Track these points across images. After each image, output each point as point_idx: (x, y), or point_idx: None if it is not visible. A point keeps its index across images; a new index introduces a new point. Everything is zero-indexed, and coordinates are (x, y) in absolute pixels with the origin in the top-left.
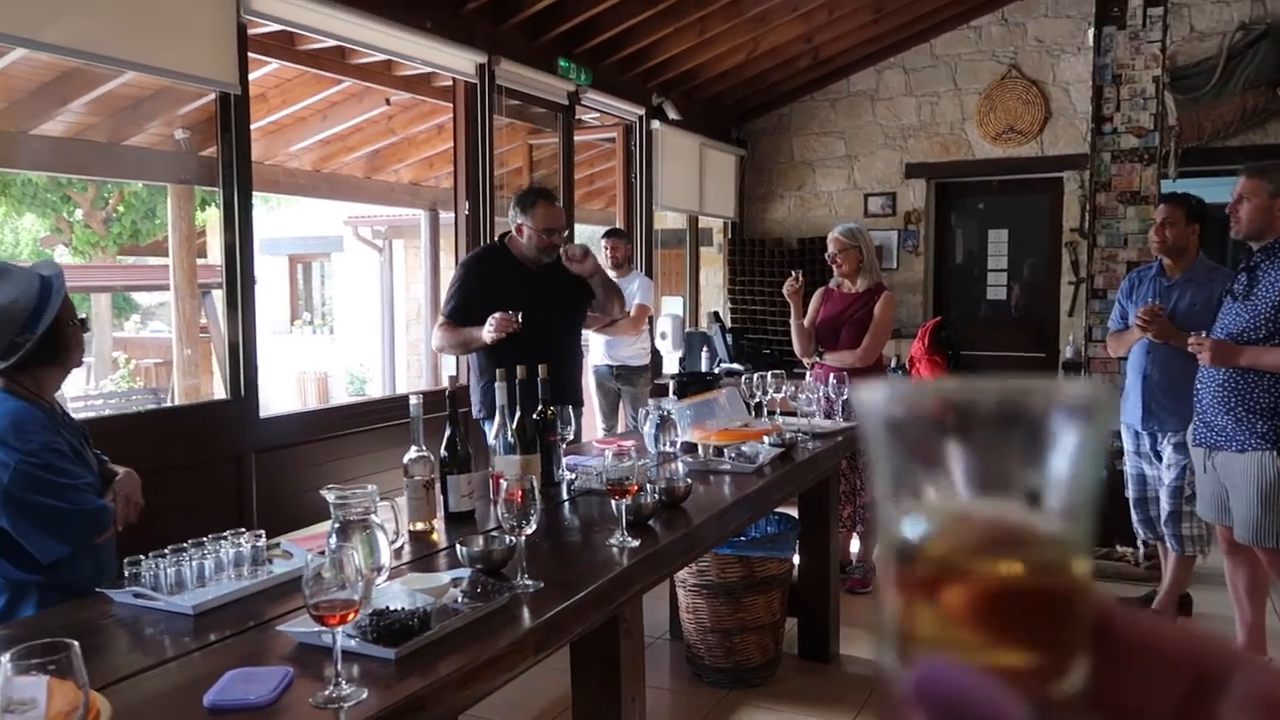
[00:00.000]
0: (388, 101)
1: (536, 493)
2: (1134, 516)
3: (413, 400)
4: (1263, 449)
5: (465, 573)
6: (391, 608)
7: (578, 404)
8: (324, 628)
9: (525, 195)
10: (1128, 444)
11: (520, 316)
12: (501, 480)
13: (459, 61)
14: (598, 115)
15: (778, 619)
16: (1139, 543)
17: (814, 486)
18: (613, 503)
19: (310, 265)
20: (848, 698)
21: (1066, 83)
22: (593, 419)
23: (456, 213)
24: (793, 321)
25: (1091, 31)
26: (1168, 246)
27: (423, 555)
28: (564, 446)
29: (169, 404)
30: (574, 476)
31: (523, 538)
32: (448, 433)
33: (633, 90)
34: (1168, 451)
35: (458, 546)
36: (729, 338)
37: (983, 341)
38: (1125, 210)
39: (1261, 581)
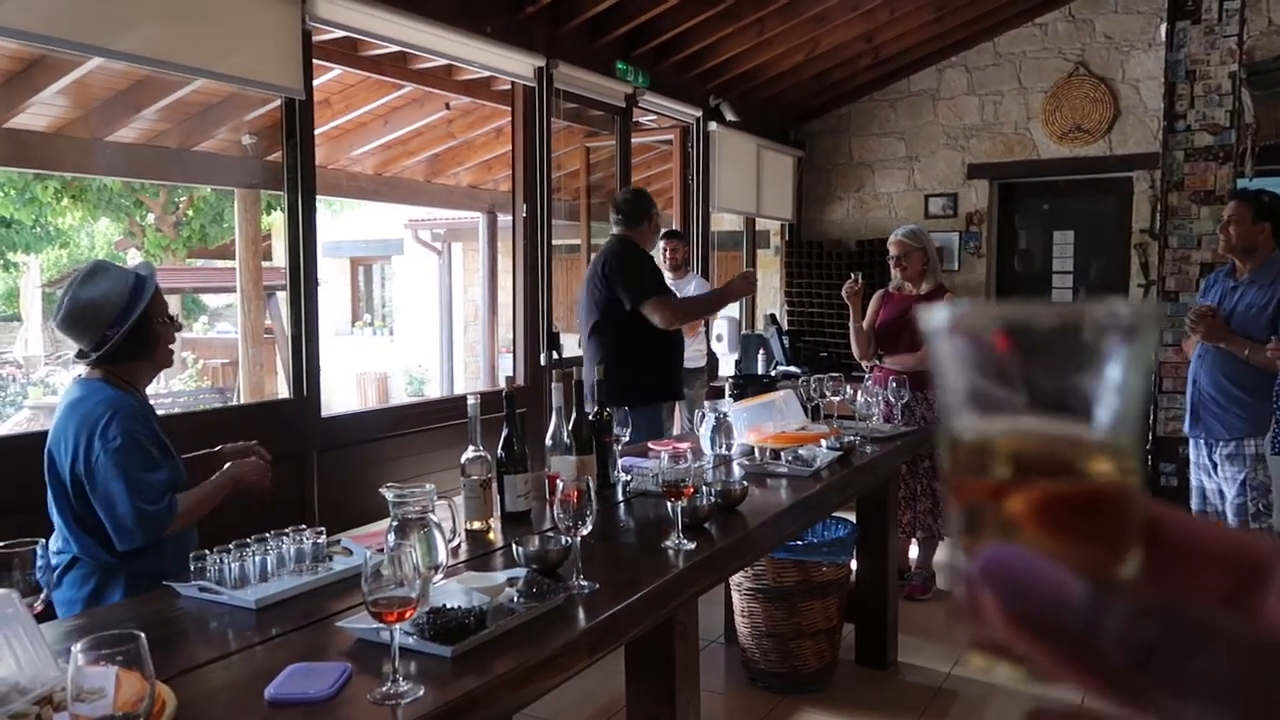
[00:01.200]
0: (447, 106)
1: (592, 493)
2: None
3: (470, 400)
4: None
5: (521, 572)
6: (448, 606)
7: (680, 397)
8: (382, 625)
9: (641, 200)
10: (1191, 454)
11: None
12: (558, 481)
13: (517, 65)
14: (655, 118)
15: (834, 624)
16: None
17: (873, 491)
18: (668, 505)
19: (371, 267)
20: (906, 705)
21: (1136, 80)
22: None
23: (514, 215)
24: (852, 324)
25: (1164, 27)
26: (1233, 245)
27: (479, 554)
28: (619, 448)
29: (235, 403)
30: (630, 478)
31: (578, 538)
32: (505, 432)
33: (690, 92)
34: (1223, 465)
35: (514, 546)
36: (785, 340)
37: None
38: (1198, 210)
39: None
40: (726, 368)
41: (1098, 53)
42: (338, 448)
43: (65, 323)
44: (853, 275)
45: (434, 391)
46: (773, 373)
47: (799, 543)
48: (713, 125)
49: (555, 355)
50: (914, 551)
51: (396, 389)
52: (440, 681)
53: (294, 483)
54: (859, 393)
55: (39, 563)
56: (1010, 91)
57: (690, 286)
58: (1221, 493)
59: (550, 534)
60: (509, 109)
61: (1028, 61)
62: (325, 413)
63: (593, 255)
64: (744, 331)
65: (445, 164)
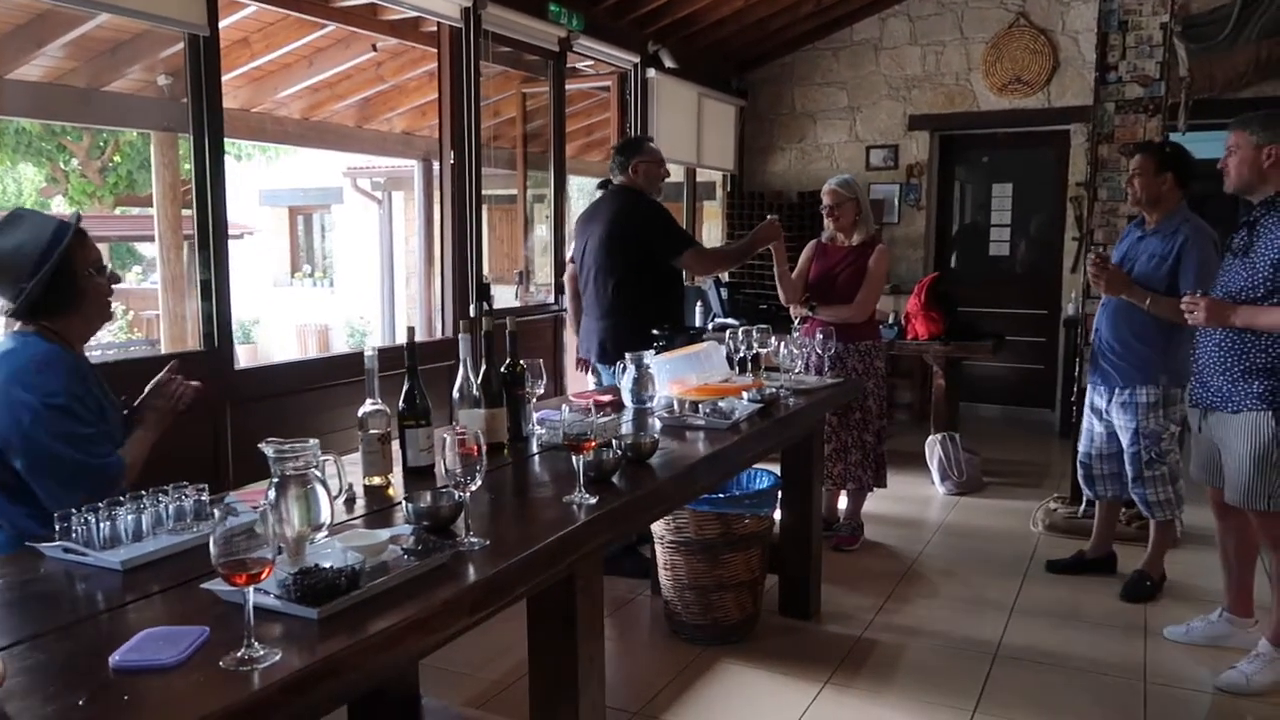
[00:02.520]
0: (374, 48)
1: (483, 447)
2: (1080, 473)
3: (367, 352)
4: (1257, 409)
5: (407, 529)
6: (320, 566)
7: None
8: (232, 587)
9: (636, 141)
10: (1088, 397)
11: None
12: (440, 434)
13: (442, 5)
14: (592, 63)
15: (757, 576)
16: (1084, 500)
17: (797, 444)
18: (572, 458)
19: (311, 217)
20: (826, 655)
21: (1076, 31)
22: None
23: (441, 162)
24: (776, 269)
25: None
26: (1139, 198)
27: (377, 510)
28: (534, 401)
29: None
30: (544, 431)
31: (468, 494)
32: (406, 385)
33: (628, 37)
34: (1115, 412)
35: (403, 503)
36: (724, 292)
37: (985, 298)
38: (1128, 163)
39: (1250, 544)
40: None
41: (1038, 4)
42: (253, 400)
43: None
44: (769, 216)
45: (377, 343)
46: (710, 325)
47: (720, 495)
48: (651, 72)
49: (486, 306)
50: (843, 503)
51: (338, 341)
52: (305, 645)
53: (208, 438)
54: (782, 344)
55: None
56: (952, 42)
57: None
58: (1108, 436)
59: (444, 490)
60: (435, 49)
61: (970, 11)
62: (245, 365)
63: (530, 204)
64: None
65: (376, 109)
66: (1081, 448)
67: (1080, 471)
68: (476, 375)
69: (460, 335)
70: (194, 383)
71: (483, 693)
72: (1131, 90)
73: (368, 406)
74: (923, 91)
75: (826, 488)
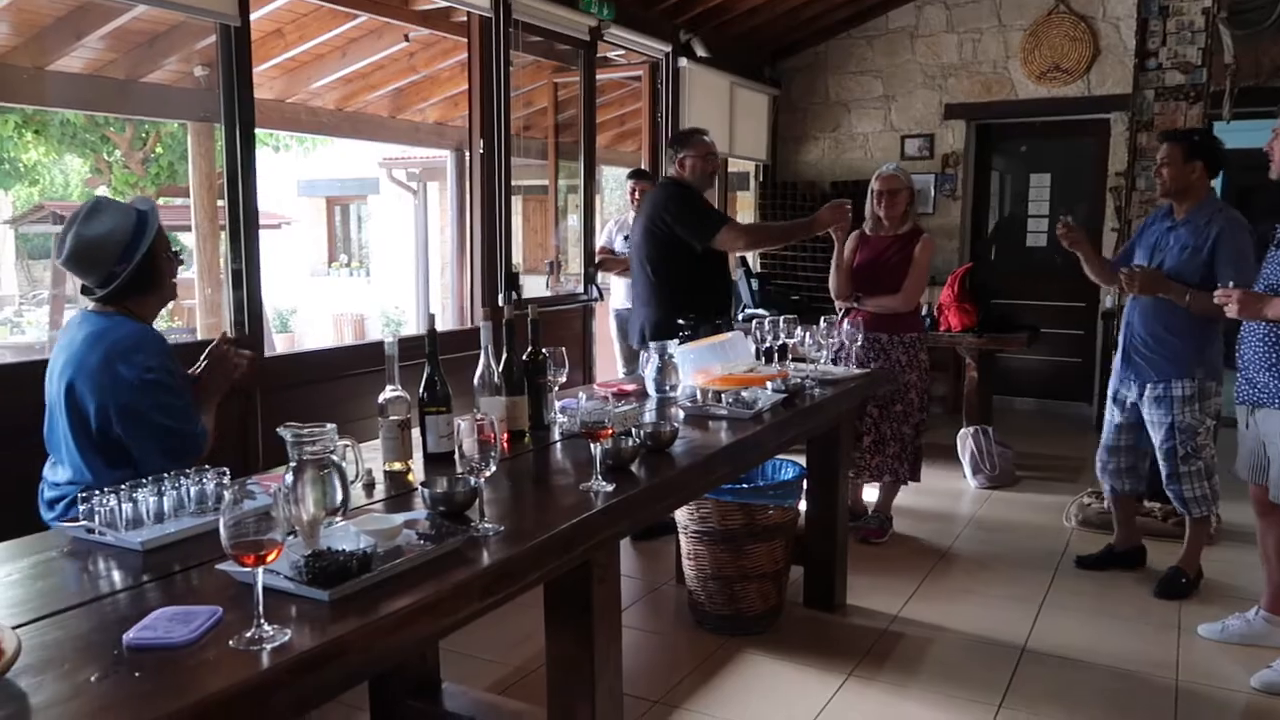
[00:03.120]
0: (406, 38)
1: (498, 434)
2: (1098, 462)
3: (387, 340)
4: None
5: (422, 514)
6: (333, 549)
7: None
8: (242, 568)
9: (686, 133)
10: (1111, 389)
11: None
12: (458, 421)
13: None
14: (623, 53)
15: (781, 567)
16: (1104, 493)
17: (823, 434)
18: (590, 446)
19: (348, 207)
20: (850, 647)
21: (1117, 18)
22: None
23: (471, 152)
24: (835, 259)
25: None
26: (1167, 187)
27: (395, 495)
28: (556, 390)
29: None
30: (565, 419)
31: (483, 479)
32: (426, 372)
33: (659, 26)
34: (1148, 407)
35: (419, 488)
36: (754, 283)
37: (1021, 290)
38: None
39: None
40: None
41: None
42: (283, 388)
43: (71, 260)
44: (839, 200)
45: (412, 332)
46: (740, 316)
47: (745, 485)
48: (683, 61)
49: (515, 296)
50: (872, 495)
51: (374, 330)
52: (315, 626)
53: (237, 424)
54: (806, 334)
55: None
56: (989, 29)
57: None
58: (1131, 430)
59: (460, 476)
60: (465, 39)
61: None
62: (277, 351)
63: (560, 195)
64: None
65: (410, 99)
66: (1102, 441)
67: (1099, 464)
68: (498, 363)
69: (481, 323)
70: (246, 352)
71: (503, 679)
72: (1172, 77)
73: (388, 393)
74: (959, 80)
75: (863, 480)
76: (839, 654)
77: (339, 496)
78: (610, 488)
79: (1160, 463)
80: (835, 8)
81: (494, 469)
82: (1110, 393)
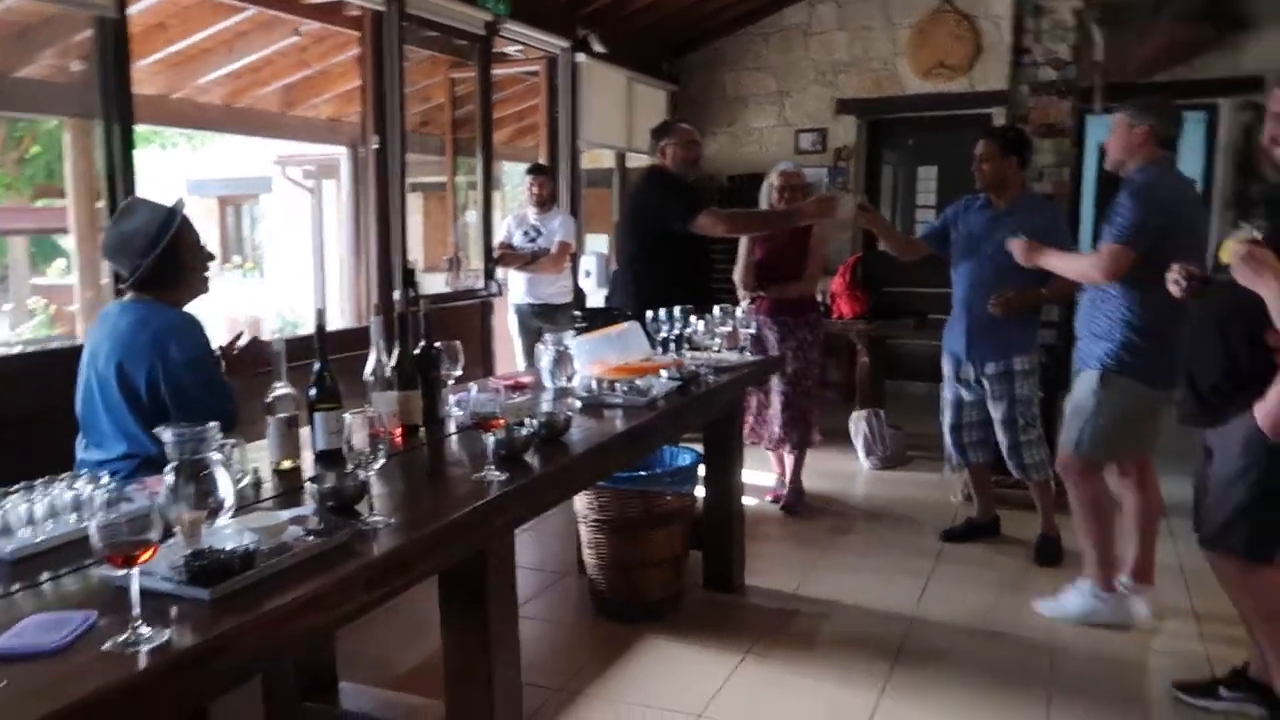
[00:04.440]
0: (297, 32)
1: (386, 429)
2: (949, 442)
3: (275, 338)
4: (1092, 368)
5: (308, 510)
6: (213, 548)
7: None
8: (116, 570)
9: (666, 123)
10: (947, 370)
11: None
12: (348, 417)
13: None
14: (521, 48)
15: (679, 553)
16: (949, 467)
17: (718, 420)
18: (483, 437)
19: (240, 207)
20: (748, 627)
21: (998, 16)
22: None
23: (366, 148)
24: (742, 254)
25: None
26: (987, 180)
27: (284, 493)
28: (451, 384)
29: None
30: (460, 412)
31: (372, 473)
32: (316, 368)
33: (557, 22)
34: (990, 383)
35: (307, 484)
36: None
37: (911, 278)
38: (1041, 144)
39: (1146, 512)
40: (595, 303)
41: None
42: None
43: (107, 252)
44: (840, 192)
45: (309, 332)
46: None
47: (643, 473)
48: (581, 57)
49: (412, 293)
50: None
51: (269, 331)
52: (197, 625)
53: None
54: (700, 323)
55: None
56: (879, 27)
57: (555, 223)
58: (977, 405)
59: (348, 470)
60: (359, 34)
61: None
62: None
63: (459, 192)
64: (614, 267)
65: (302, 95)
66: (949, 420)
67: (950, 440)
68: (390, 358)
69: (371, 318)
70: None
71: (405, 674)
72: (1045, 73)
73: (276, 390)
74: (850, 76)
75: (765, 448)
76: (737, 633)
77: (222, 496)
78: (503, 477)
79: (1001, 435)
80: (731, 4)
81: (383, 462)
82: (949, 373)
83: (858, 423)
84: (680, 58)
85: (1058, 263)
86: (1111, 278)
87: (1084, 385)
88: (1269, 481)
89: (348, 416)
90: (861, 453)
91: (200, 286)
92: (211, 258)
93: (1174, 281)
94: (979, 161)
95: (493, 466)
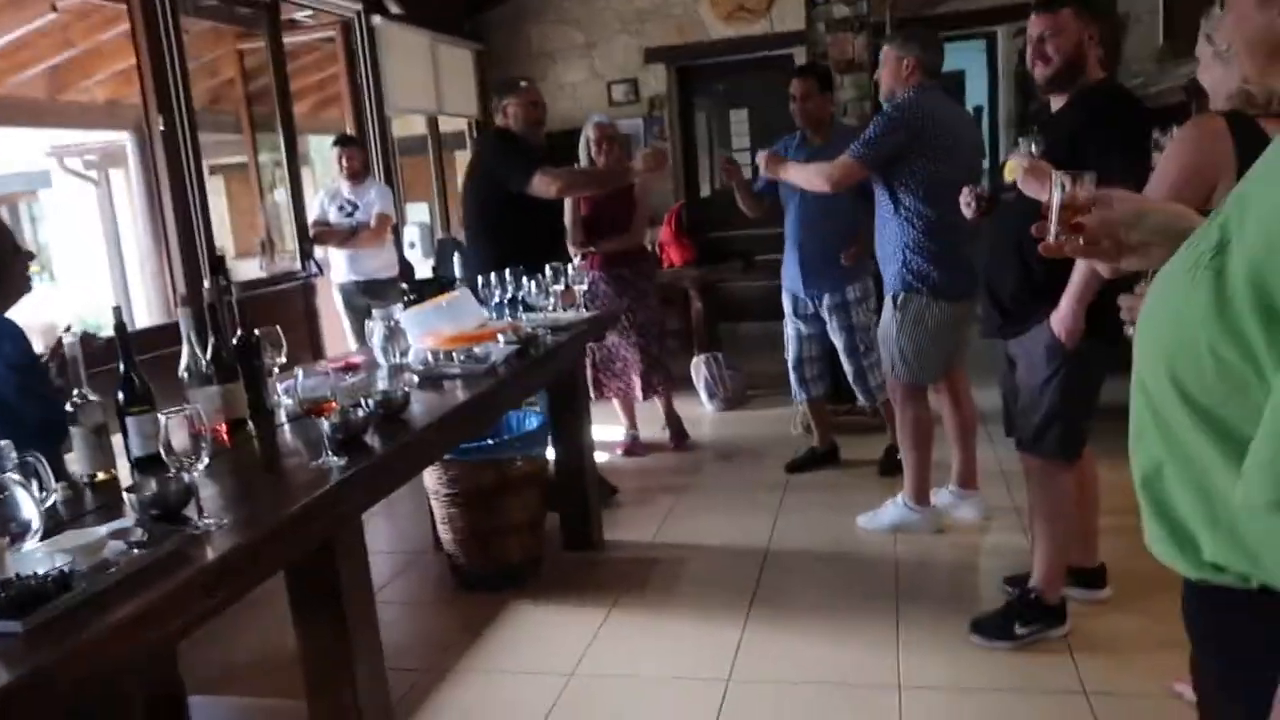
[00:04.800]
0: (54, 8)
1: (206, 427)
2: (792, 378)
3: (67, 340)
4: (889, 293)
5: (128, 522)
6: (22, 575)
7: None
8: None
9: (507, 81)
10: (787, 307)
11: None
12: (159, 418)
13: None
14: (311, 13)
15: (536, 517)
16: (798, 403)
17: (560, 380)
18: (318, 422)
19: (16, 206)
20: (611, 581)
21: None
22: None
23: (149, 130)
24: (570, 213)
25: None
26: (809, 118)
27: (101, 506)
28: (276, 372)
29: None
30: (289, 401)
31: (196, 473)
32: (121, 370)
33: None
34: (829, 315)
35: (125, 495)
36: None
37: (734, 221)
38: (842, 80)
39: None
40: (424, 275)
41: None
42: None
43: None
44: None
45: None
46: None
47: (491, 441)
48: (376, 19)
49: (223, 281)
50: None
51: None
52: (10, 660)
53: None
54: (532, 284)
55: None
56: None
57: (371, 195)
58: (816, 338)
59: (169, 474)
60: (123, 4)
61: None
62: None
63: (264, 171)
64: (439, 236)
65: (70, 77)
66: (791, 355)
67: (793, 376)
68: (205, 350)
69: (179, 310)
70: None
71: (258, 678)
72: (839, 10)
73: (75, 399)
74: (655, 25)
75: (613, 398)
76: (602, 590)
77: (26, 518)
78: (343, 462)
79: (845, 363)
80: None
81: (207, 461)
82: (789, 310)
83: (698, 367)
84: (481, 14)
85: (795, 174)
86: (835, 187)
87: (886, 311)
88: (1073, 385)
89: (162, 417)
90: (704, 396)
91: (23, 286)
92: (32, 256)
93: (965, 204)
94: (800, 100)
95: (330, 453)
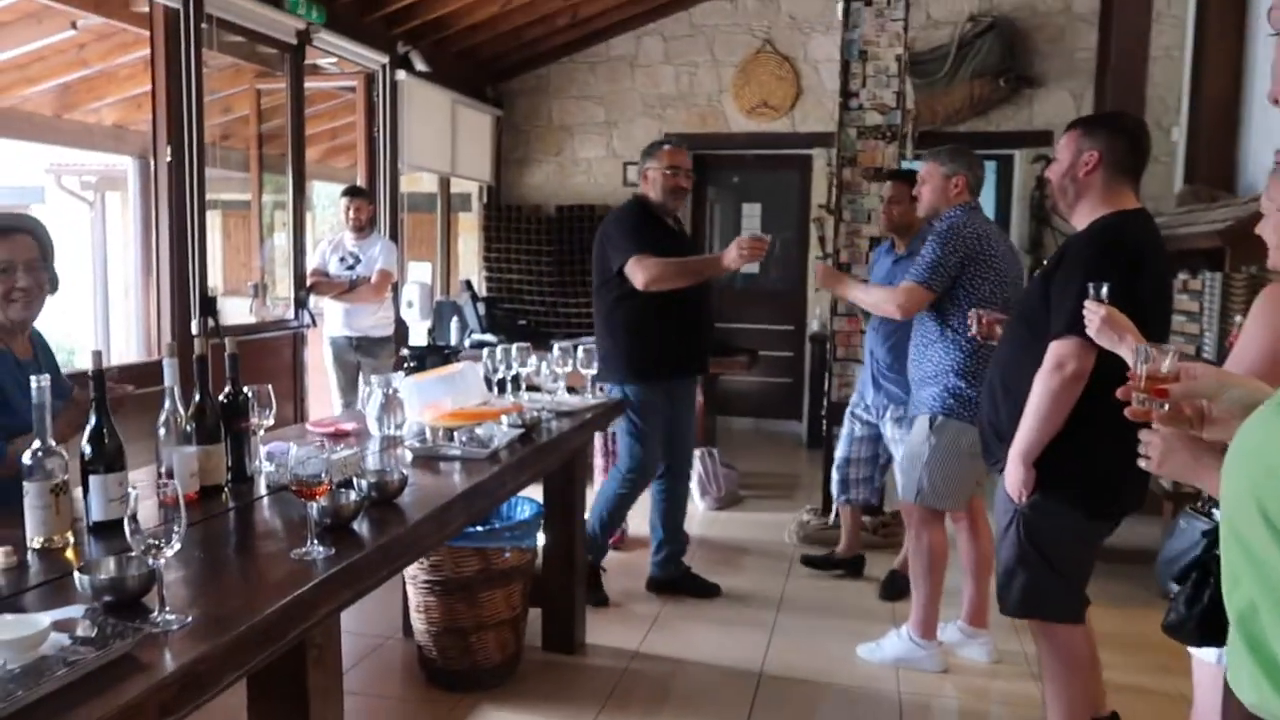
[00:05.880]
0: (74, 25)
1: (181, 500)
2: (835, 474)
3: (34, 384)
4: (923, 414)
5: (77, 611)
6: None
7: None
8: None
9: (652, 144)
10: (852, 404)
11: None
12: (134, 480)
13: None
14: (336, 61)
15: (519, 613)
16: (834, 506)
17: (559, 468)
18: (305, 505)
19: None
20: (593, 690)
21: (817, 61)
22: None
23: (156, 160)
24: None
25: (840, 6)
26: (896, 223)
27: (47, 581)
28: (260, 434)
29: None
30: (273, 468)
31: (163, 559)
32: (92, 422)
33: (375, 35)
34: (889, 427)
35: (76, 575)
36: (480, 307)
37: (736, 314)
38: (868, 186)
39: (980, 556)
40: (419, 337)
41: (783, 31)
42: None
43: None
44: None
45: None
46: (467, 342)
47: (479, 528)
48: (401, 74)
49: (212, 323)
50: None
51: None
52: None
53: None
54: (541, 363)
55: None
56: (704, 63)
57: (375, 249)
58: (869, 441)
59: (131, 555)
60: (148, 32)
61: (720, 34)
62: None
63: (266, 212)
64: (438, 298)
65: (80, 97)
66: (840, 453)
67: (836, 475)
68: (188, 406)
69: (165, 358)
70: (128, 386)
71: None
72: (871, 117)
73: (36, 449)
74: (677, 110)
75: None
76: (581, 699)
77: None
78: (329, 553)
79: (898, 475)
80: (556, 31)
81: (178, 545)
82: (851, 409)
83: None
84: (504, 82)
85: (858, 294)
86: (906, 314)
87: (917, 432)
88: (1028, 544)
89: (133, 490)
90: (697, 493)
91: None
92: (3, 271)
93: (972, 321)
94: (888, 204)
95: (316, 541)
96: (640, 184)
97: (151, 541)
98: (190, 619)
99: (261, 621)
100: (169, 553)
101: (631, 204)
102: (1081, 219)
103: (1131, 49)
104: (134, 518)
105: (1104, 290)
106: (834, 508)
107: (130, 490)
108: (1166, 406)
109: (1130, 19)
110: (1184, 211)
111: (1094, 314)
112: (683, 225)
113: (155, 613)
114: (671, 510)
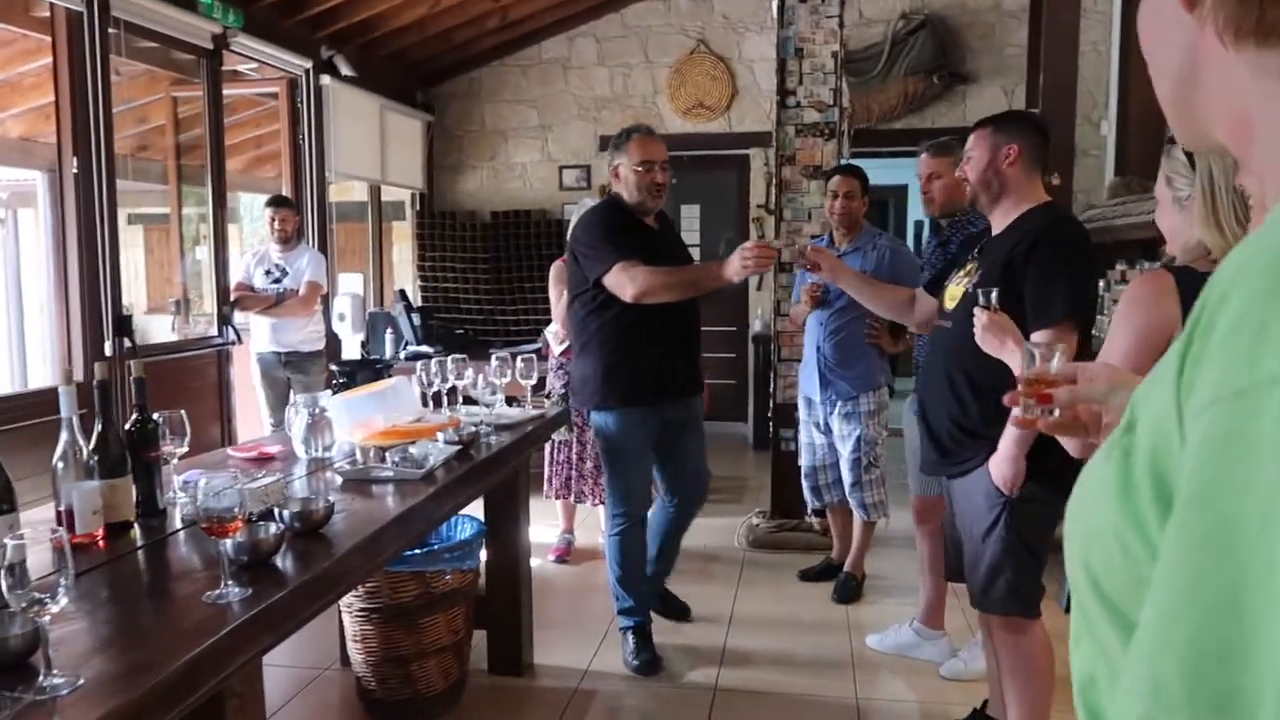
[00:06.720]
0: None
1: (68, 549)
2: (805, 485)
3: None
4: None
5: None
6: None
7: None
8: None
9: (618, 135)
10: (802, 413)
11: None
12: (23, 524)
13: None
14: (257, 66)
15: (461, 636)
16: (809, 511)
17: (501, 485)
18: (219, 542)
19: None
20: (542, 714)
21: (751, 61)
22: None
23: (63, 172)
24: (557, 300)
25: (775, 3)
26: (847, 219)
27: None
28: (174, 463)
29: None
30: (187, 499)
31: (48, 616)
32: None
33: (298, 39)
34: (837, 423)
35: None
36: (415, 318)
37: (703, 316)
38: (808, 184)
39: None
40: (351, 350)
41: (716, 32)
42: None
43: None
44: (771, 241)
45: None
46: (402, 354)
47: (418, 551)
48: (326, 79)
49: (127, 343)
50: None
51: None
52: None
53: None
54: (478, 375)
55: None
56: (638, 65)
57: (303, 261)
58: (829, 447)
59: (12, 613)
60: (48, 38)
61: (654, 35)
62: None
63: (187, 224)
64: (371, 310)
65: None
66: (805, 462)
67: (806, 484)
68: (88, 437)
69: (60, 386)
70: None
71: None
72: (809, 115)
73: None
74: (612, 112)
75: (592, 504)
76: None
77: None
78: (247, 593)
79: (845, 472)
80: (487, 34)
81: (65, 600)
82: (804, 416)
83: None
84: (435, 86)
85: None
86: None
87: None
88: (1018, 536)
89: (9, 540)
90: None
91: None
92: None
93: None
94: (843, 198)
95: (231, 581)
96: (611, 182)
97: (35, 596)
98: (82, 680)
99: (168, 677)
100: (54, 608)
101: (604, 205)
102: (1006, 212)
103: (1061, 44)
104: (12, 569)
105: (993, 296)
106: (807, 515)
107: (6, 540)
108: (1056, 413)
109: (1059, 15)
110: (1117, 203)
111: (977, 320)
112: (670, 223)
113: (41, 676)
114: (670, 532)
